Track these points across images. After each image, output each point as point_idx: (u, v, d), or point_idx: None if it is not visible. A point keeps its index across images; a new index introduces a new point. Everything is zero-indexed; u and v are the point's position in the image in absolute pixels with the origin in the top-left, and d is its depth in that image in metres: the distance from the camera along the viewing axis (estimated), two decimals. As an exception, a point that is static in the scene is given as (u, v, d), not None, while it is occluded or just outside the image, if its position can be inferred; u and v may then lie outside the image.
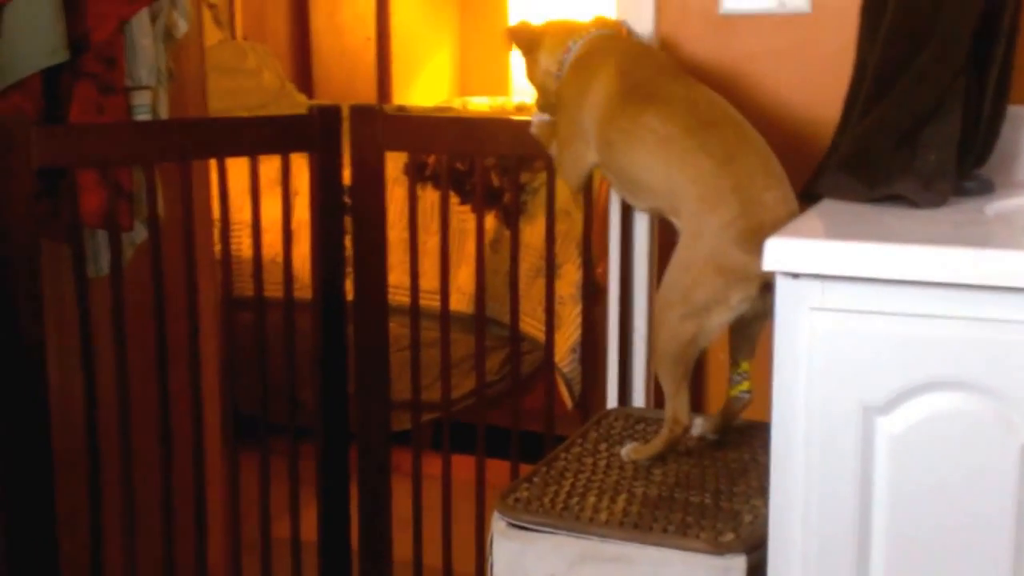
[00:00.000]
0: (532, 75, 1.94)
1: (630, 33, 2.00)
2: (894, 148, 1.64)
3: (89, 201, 1.93)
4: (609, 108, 1.77)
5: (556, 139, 1.92)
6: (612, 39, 1.89)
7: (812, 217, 1.56)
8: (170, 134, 2.07)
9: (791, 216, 1.64)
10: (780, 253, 1.36)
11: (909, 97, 1.64)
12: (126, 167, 2.02)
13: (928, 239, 1.36)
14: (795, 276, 1.36)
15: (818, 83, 2.01)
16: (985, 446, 1.29)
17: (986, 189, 1.71)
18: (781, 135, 2.00)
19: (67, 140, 1.88)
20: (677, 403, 1.71)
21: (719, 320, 1.65)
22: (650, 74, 1.80)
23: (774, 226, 1.57)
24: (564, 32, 1.90)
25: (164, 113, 2.12)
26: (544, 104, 1.96)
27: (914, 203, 1.57)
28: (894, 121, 1.65)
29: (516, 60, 6.97)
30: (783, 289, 1.38)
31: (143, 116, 2.02)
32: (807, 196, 1.71)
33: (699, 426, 1.84)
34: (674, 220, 1.73)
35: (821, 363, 1.35)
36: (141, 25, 1.98)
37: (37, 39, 1.78)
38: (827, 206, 1.63)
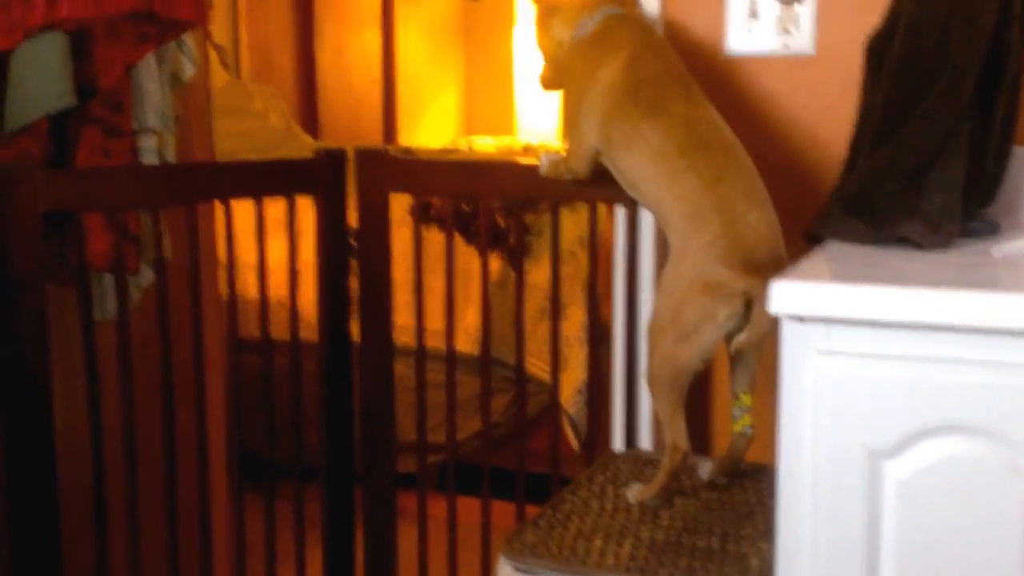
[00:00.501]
0: (543, 42, 1.95)
1: (642, 15, 1.99)
2: (899, 190, 1.64)
3: (96, 244, 1.94)
4: (612, 99, 1.80)
5: (564, 119, 1.94)
6: (627, 23, 1.89)
7: (817, 259, 1.56)
8: (176, 178, 2.07)
9: (774, 237, 1.70)
10: (786, 296, 1.35)
11: (914, 139, 1.64)
12: (132, 210, 2.02)
13: (935, 282, 1.36)
14: (801, 319, 1.36)
15: (822, 124, 2.02)
16: (993, 491, 1.28)
17: (992, 230, 1.71)
18: (786, 175, 2.01)
19: (73, 184, 1.88)
20: (674, 429, 1.72)
21: (709, 339, 1.68)
22: (658, 74, 1.82)
23: (756, 245, 1.64)
24: (580, 6, 1.91)
25: (171, 156, 2.13)
26: (549, 77, 1.97)
27: (920, 245, 1.57)
28: (899, 163, 1.65)
29: (523, 98, 7.01)
30: (789, 332, 1.37)
31: (150, 159, 2.03)
32: (812, 237, 1.71)
33: (707, 469, 1.83)
34: (666, 233, 1.77)
35: (828, 406, 1.35)
36: (148, 69, 2.00)
37: (45, 84, 1.79)
38: (832, 248, 1.63)
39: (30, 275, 1.84)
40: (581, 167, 1.91)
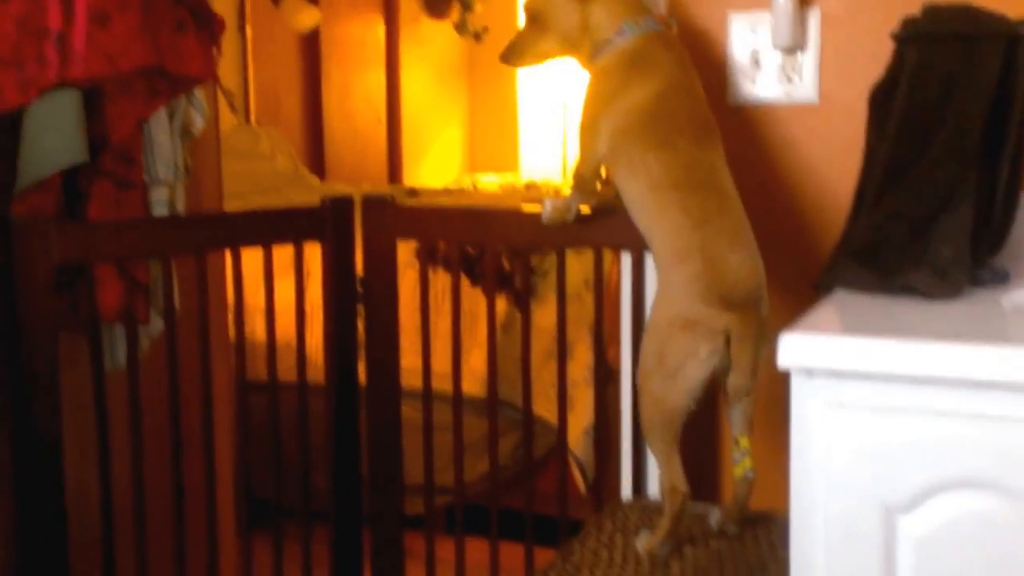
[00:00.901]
0: (566, 18, 1.85)
1: (680, 43, 1.92)
2: (907, 239, 1.65)
3: (107, 295, 1.95)
4: (631, 121, 1.80)
5: (578, 128, 1.90)
6: (671, 49, 1.85)
7: (825, 310, 1.56)
8: (186, 228, 2.09)
9: (755, 279, 1.72)
10: (794, 349, 1.35)
11: (920, 188, 1.65)
12: (143, 261, 2.04)
13: (946, 334, 1.35)
14: (810, 372, 1.36)
15: (826, 172, 2.03)
16: (1010, 546, 1.27)
17: (1001, 279, 1.71)
18: (790, 223, 2.02)
19: (85, 236, 1.90)
20: (671, 471, 1.73)
21: (695, 377, 1.69)
22: (682, 112, 1.81)
23: (736, 284, 1.67)
24: (621, 6, 1.84)
25: (181, 207, 2.15)
26: (536, 44, 1.89)
27: (928, 295, 1.57)
28: (906, 212, 1.66)
29: (526, 135, 7.03)
30: (798, 386, 1.37)
31: (160, 211, 2.04)
32: (820, 286, 1.72)
33: (715, 518, 1.83)
34: (655, 265, 1.79)
35: (839, 461, 1.34)
36: (159, 123, 2.02)
37: (59, 141, 1.81)
38: (840, 297, 1.63)
39: (42, 326, 1.85)
40: (589, 173, 1.91)
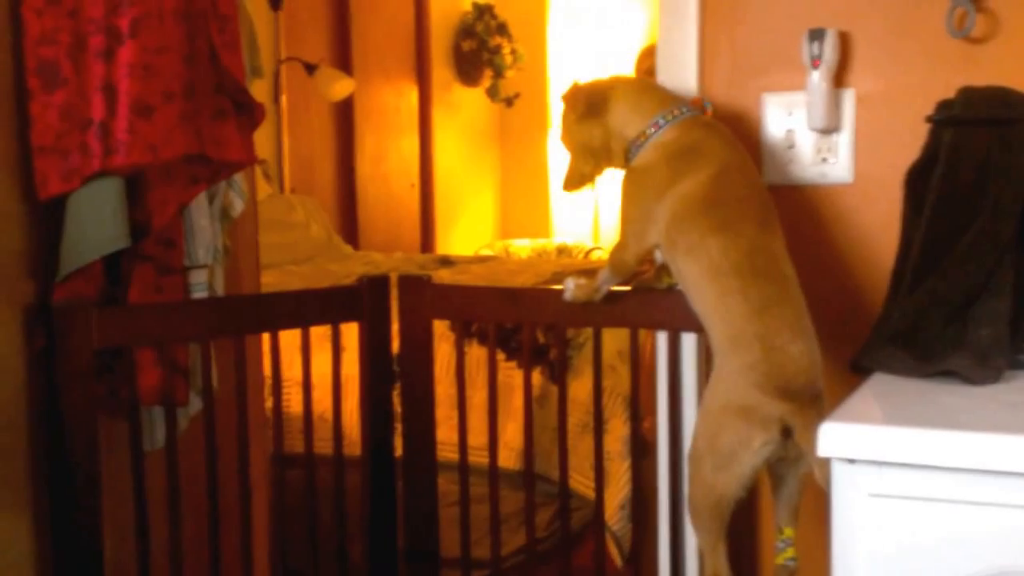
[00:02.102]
0: (581, 134, 1.88)
1: (722, 125, 1.92)
2: (945, 323, 1.64)
3: (146, 379, 1.97)
4: (687, 207, 1.77)
5: (621, 216, 1.88)
6: (716, 134, 1.84)
7: (865, 395, 1.55)
8: (225, 311, 2.11)
9: (814, 370, 1.69)
10: (836, 438, 1.35)
11: (958, 273, 1.65)
12: (182, 345, 2.06)
13: (989, 425, 1.35)
14: (852, 461, 1.35)
15: (861, 252, 2.03)
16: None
17: (1040, 363, 1.70)
18: (826, 303, 2.01)
19: (125, 321, 1.92)
20: (716, 558, 1.72)
21: (748, 465, 1.67)
22: (740, 194, 1.79)
23: (795, 375, 1.64)
24: (645, 98, 1.86)
25: (220, 288, 2.17)
26: (584, 169, 1.92)
27: (969, 380, 1.56)
28: (944, 296, 1.65)
29: (557, 200, 7.07)
30: (839, 474, 1.36)
31: (200, 293, 2.06)
32: (857, 367, 1.71)
33: (757, 604, 1.81)
34: (711, 348, 1.77)
35: (881, 550, 1.33)
36: (199, 207, 2.05)
37: (101, 227, 1.83)
38: (879, 381, 1.62)
39: (82, 411, 1.87)
40: (633, 260, 1.88)
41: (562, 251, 6.69)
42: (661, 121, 1.84)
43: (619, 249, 1.90)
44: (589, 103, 1.87)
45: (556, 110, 6.39)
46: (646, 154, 1.84)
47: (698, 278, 1.76)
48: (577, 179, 1.95)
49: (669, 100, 1.87)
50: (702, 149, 1.81)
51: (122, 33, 1.82)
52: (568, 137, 1.93)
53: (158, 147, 1.81)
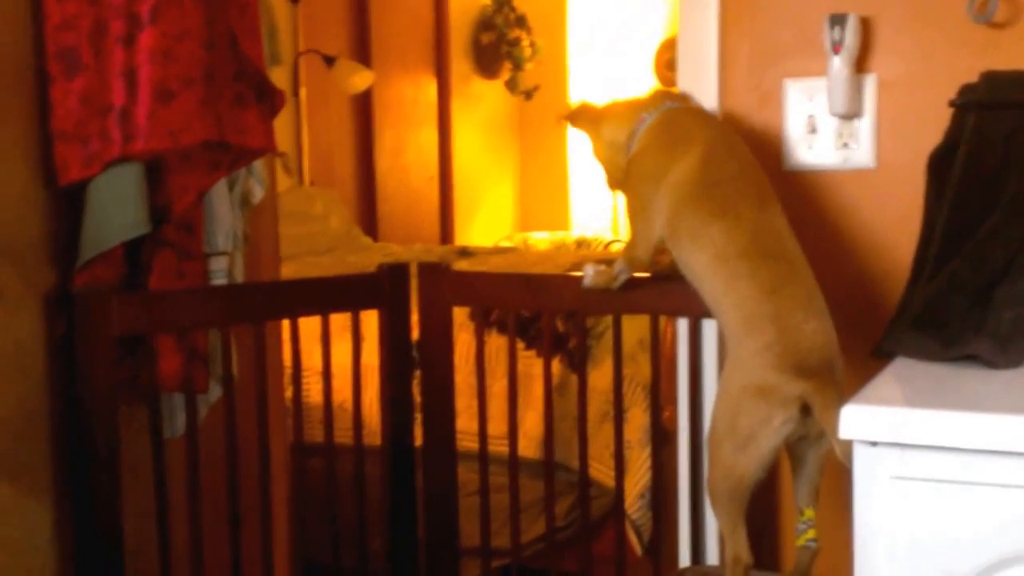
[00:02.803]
0: (598, 151, 1.98)
1: (703, 108, 2.01)
2: (967, 307, 1.63)
3: (166, 366, 1.97)
4: (684, 194, 1.81)
5: (627, 213, 1.94)
6: (694, 117, 1.92)
7: (888, 379, 1.54)
8: (245, 297, 2.12)
9: (829, 347, 1.69)
10: (858, 420, 1.34)
11: (980, 256, 1.64)
12: (202, 331, 2.06)
13: (1012, 407, 1.34)
14: (873, 444, 1.34)
15: (883, 237, 2.02)
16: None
17: (1063, 346, 1.68)
18: (848, 288, 2.01)
19: (145, 307, 1.93)
20: (736, 541, 1.71)
21: (767, 446, 1.67)
22: (733, 173, 1.83)
23: (810, 352, 1.64)
24: (631, 105, 1.95)
25: (240, 276, 2.17)
26: (613, 180, 1.99)
27: (991, 363, 1.55)
28: (966, 280, 1.64)
29: (576, 192, 7.07)
30: (861, 457, 1.36)
31: (219, 280, 2.07)
32: (879, 352, 1.70)
33: (777, 589, 1.81)
34: (724, 334, 1.79)
35: (903, 533, 1.32)
36: (219, 193, 2.05)
37: (121, 213, 1.84)
38: (901, 366, 1.61)
39: (103, 397, 1.88)
40: (645, 256, 1.91)
41: (581, 244, 6.67)
42: (645, 116, 1.91)
43: (630, 247, 1.93)
44: (591, 120, 1.99)
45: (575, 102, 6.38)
46: (636, 146, 1.90)
47: (705, 266, 1.78)
48: (614, 184, 2.02)
49: (655, 100, 1.93)
50: (684, 133, 1.87)
51: (142, 19, 1.82)
52: (593, 152, 2.01)
53: (178, 133, 1.82)
